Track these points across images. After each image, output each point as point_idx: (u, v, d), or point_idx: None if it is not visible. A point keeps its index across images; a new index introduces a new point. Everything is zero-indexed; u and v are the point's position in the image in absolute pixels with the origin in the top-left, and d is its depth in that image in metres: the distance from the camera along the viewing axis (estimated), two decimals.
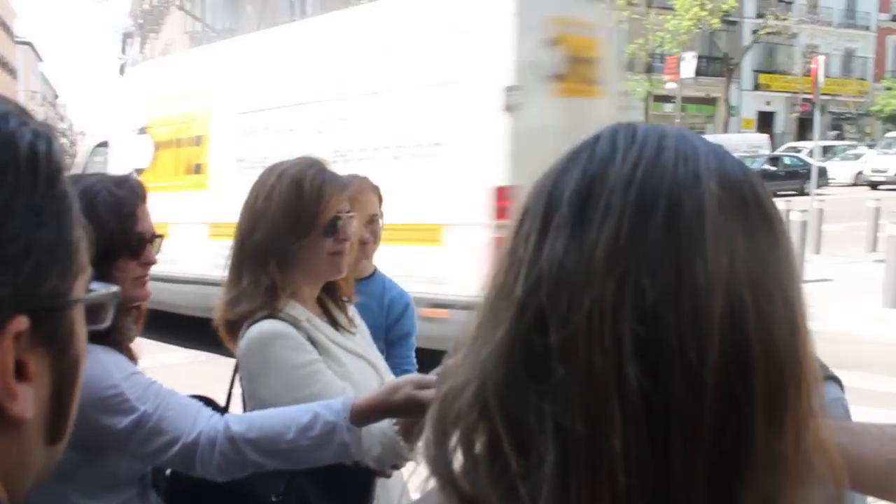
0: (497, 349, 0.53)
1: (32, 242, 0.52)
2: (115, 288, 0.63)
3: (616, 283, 0.50)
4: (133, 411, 1.56)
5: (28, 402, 0.53)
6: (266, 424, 1.57)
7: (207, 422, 1.59)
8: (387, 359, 2.67)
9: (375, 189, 2.84)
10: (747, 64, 43.64)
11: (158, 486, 1.82)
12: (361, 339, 2.10)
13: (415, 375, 1.54)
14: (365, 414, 1.53)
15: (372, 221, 2.76)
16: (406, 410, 1.51)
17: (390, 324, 2.81)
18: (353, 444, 1.54)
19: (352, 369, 1.95)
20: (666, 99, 39.89)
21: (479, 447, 0.54)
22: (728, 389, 0.49)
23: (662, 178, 0.52)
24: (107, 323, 0.61)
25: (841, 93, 42.87)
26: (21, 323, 0.51)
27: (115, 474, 1.69)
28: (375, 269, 2.90)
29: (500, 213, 5.69)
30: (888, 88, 45.82)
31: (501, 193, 5.70)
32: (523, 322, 0.52)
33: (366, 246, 2.74)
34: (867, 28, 48.41)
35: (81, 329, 0.58)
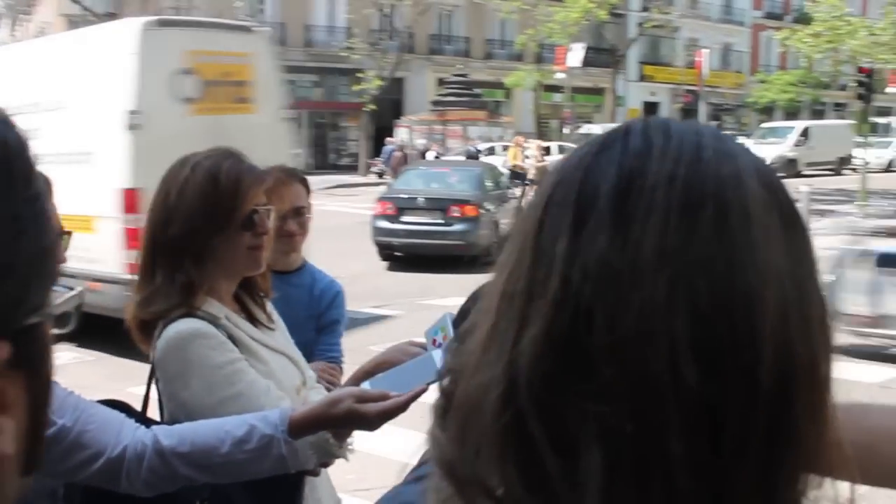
0: (531, 349, 0.51)
1: (14, 257, 0.45)
2: (79, 289, 0.57)
3: (668, 282, 0.49)
4: (49, 425, 1.47)
5: (8, 435, 0.46)
6: (198, 437, 1.51)
7: (133, 435, 1.52)
8: (315, 346, 2.65)
9: (302, 179, 2.76)
10: (633, 56, 44.91)
11: (72, 500, 1.73)
12: (280, 335, 2.06)
13: (355, 388, 1.52)
14: (303, 426, 1.50)
15: (299, 213, 2.68)
16: (346, 423, 1.50)
17: (321, 313, 2.76)
18: (291, 457, 1.50)
19: (274, 367, 1.90)
20: (555, 89, 40.62)
21: (511, 451, 0.52)
22: (780, 390, 0.49)
23: (706, 176, 0.51)
24: (72, 326, 0.55)
25: (720, 85, 44.65)
26: (3, 350, 0.44)
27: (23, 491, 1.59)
28: (304, 261, 2.84)
29: (128, 208, 7.55)
30: (762, 81, 48.02)
31: (127, 194, 7.58)
32: (561, 321, 0.50)
33: (293, 238, 2.66)
34: (742, 23, 50.54)
35: (51, 341, 0.51)
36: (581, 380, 0.50)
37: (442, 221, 13.74)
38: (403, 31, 36.08)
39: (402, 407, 1.47)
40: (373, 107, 34.56)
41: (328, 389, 2.71)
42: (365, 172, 33.18)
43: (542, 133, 38.96)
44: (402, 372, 1.52)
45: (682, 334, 0.48)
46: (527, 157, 21.63)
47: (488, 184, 15.16)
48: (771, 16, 50.55)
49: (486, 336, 0.54)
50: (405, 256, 14.12)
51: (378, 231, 13.92)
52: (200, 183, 1.83)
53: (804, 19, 30.95)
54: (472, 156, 27.59)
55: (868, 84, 18.87)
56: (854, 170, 31.02)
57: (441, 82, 38.08)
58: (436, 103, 35.53)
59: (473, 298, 1.52)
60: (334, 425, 1.52)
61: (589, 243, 0.50)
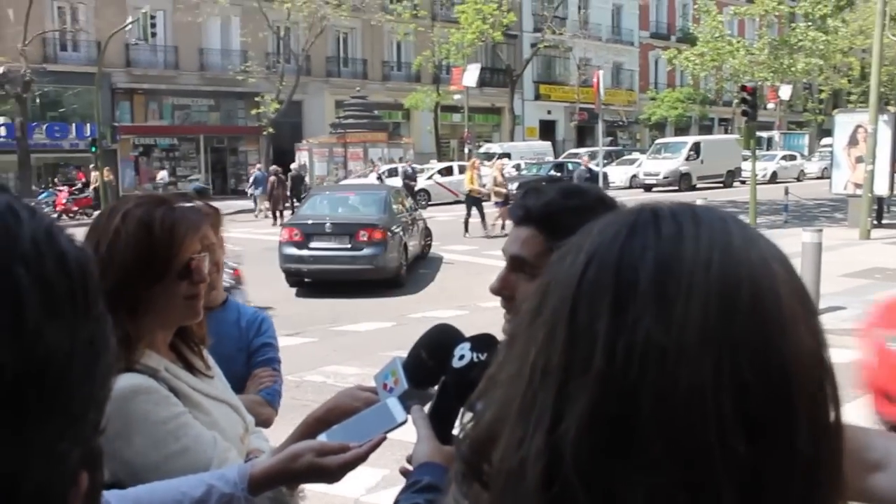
0: (577, 424, 0.53)
1: (93, 386, 0.44)
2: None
3: (713, 361, 0.52)
4: None
5: None
6: (155, 501, 1.46)
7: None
8: (246, 377, 2.61)
9: (208, 215, 2.70)
10: (528, 75, 45.83)
11: None
12: (219, 381, 2.01)
13: (314, 442, 1.49)
14: (264, 483, 1.47)
15: (209, 249, 2.62)
16: (307, 478, 1.47)
17: (250, 343, 2.72)
18: None
19: (217, 416, 1.85)
20: (454, 109, 41.08)
21: None
22: (815, 456, 0.53)
23: (739, 262, 0.55)
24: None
25: (613, 102, 46.00)
26: (83, 483, 0.44)
27: None
28: (227, 296, 2.78)
29: None
30: (652, 98, 49.72)
31: None
32: (608, 397, 0.52)
33: (211, 276, 2.61)
34: (632, 43, 52.32)
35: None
36: (628, 453, 0.52)
37: (349, 246, 13.67)
38: (300, 53, 35.88)
39: (362, 458, 1.46)
40: (271, 130, 34.19)
41: (270, 393, 2.68)
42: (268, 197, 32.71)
43: (441, 153, 39.28)
44: (359, 421, 1.51)
45: (728, 408, 0.51)
46: (483, 181, 20.93)
47: (395, 206, 15.18)
48: (657, 35, 52.49)
49: (519, 408, 0.56)
50: (314, 282, 13.98)
51: (285, 258, 13.75)
52: (133, 233, 1.78)
53: (689, 39, 32.23)
54: (410, 176, 27.37)
55: (752, 101, 19.76)
56: (743, 182, 32.41)
57: (340, 104, 38.00)
58: (335, 125, 35.43)
59: (425, 345, 1.54)
60: (295, 480, 1.50)
61: (633, 323, 0.53)
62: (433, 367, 1.46)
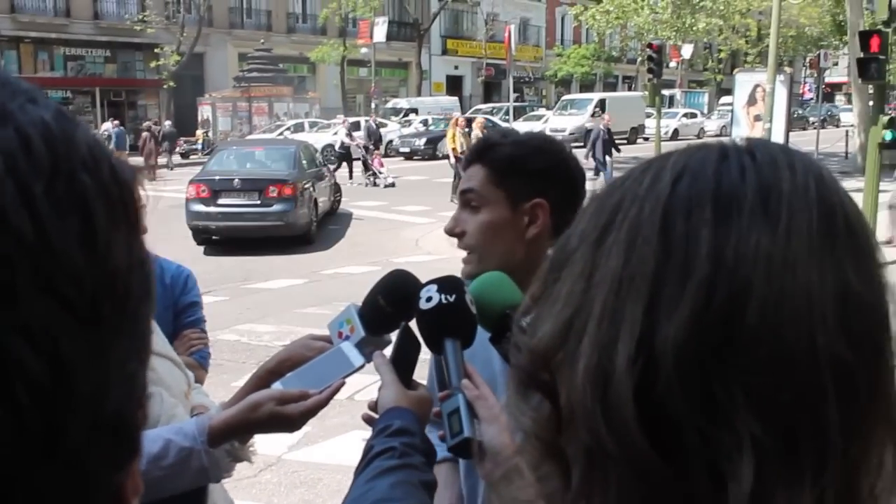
0: (680, 327, 0.55)
1: (150, 306, 0.42)
2: None
3: (818, 271, 0.56)
4: None
5: None
6: None
7: None
8: (176, 331, 2.54)
9: (140, 170, 2.61)
10: (436, 30, 45.52)
11: None
12: (158, 336, 1.95)
13: (274, 391, 1.44)
14: (224, 434, 1.43)
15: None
16: (268, 427, 1.43)
17: (176, 300, 2.66)
18: (212, 468, 1.43)
19: (161, 372, 1.79)
20: (360, 63, 40.54)
21: (648, 421, 0.56)
22: (890, 355, 0.58)
23: (831, 190, 0.60)
24: None
25: (520, 59, 46.16)
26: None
27: None
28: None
29: None
30: (559, 55, 50.16)
31: None
32: (713, 301, 0.55)
33: None
34: (539, 0, 52.55)
35: None
36: (731, 355, 0.55)
37: (259, 202, 13.42)
38: (201, 3, 34.68)
39: (322, 404, 1.43)
40: (172, 84, 33.04)
41: (202, 356, 2.63)
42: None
43: (348, 108, 38.81)
44: (314, 368, 1.47)
45: (831, 315, 0.56)
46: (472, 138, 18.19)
47: (304, 162, 14.95)
48: None
49: (599, 317, 0.58)
50: (223, 240, 13.69)
51: (193, 215, 13.39)
52: None
53: None
54: (374, 133, 25.90)
55: (657, 59, 20.15)
56: (646, 139, 33.18)
57: (243, 57, 36.99)
58: (239, 79, 34.51)
59: (383, 291, 1.51)
60: (255, 430, 1.46)
61: (740, 232, 0.56)
62: (391, 314, 1.44)
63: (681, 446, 0.55)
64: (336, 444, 5.56)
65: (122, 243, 0.38)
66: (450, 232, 1.71)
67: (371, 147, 22.98)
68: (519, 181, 1.64)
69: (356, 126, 30.94)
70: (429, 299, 1.30)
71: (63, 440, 0.35)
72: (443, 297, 1.30)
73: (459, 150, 17.62)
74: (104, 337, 0.37)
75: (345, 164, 22.30)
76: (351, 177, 21.83)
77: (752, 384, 0.55)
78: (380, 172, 21.23)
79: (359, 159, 21.98)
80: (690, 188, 0.59)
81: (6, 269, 0.33)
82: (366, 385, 5.92)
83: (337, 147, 24.45)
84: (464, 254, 1.70)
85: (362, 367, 1.45)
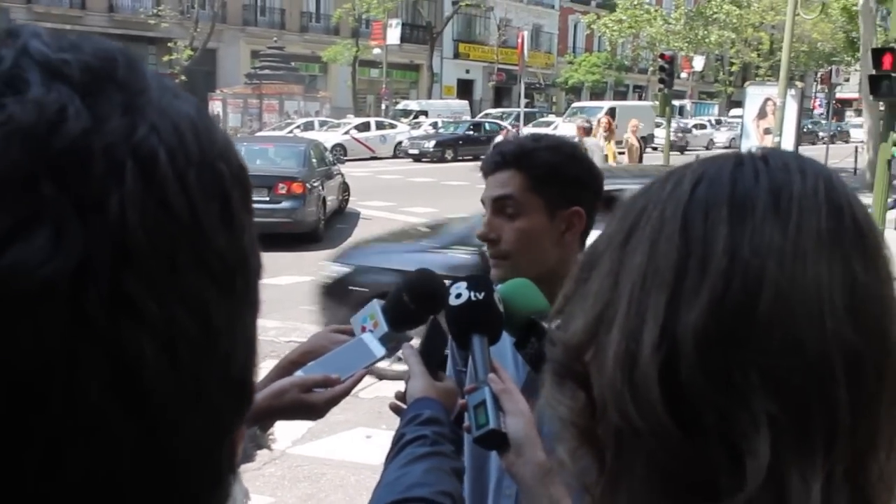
0: (699, 313, 0.60)
1: (260, 280, 0.46)
2: None
3: (827, 263, 0.61)
4: None
5: None
6: None
7: None
8: None
9: None
10: (448, 33, 45.60)
11: None
12: None
13: (297, 378, 1.46)
14: (248, 419, 1.46)
15: None
16: (292, 414, 1.46)
17: None
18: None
19: None
20: (372, 64, 40.62)
21: (673, 402, 0.60)
22: None
23: (839, 192, 0.65)
24: None
25: (531, 65, 46.19)
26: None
27: None
28: None
29: None
30: (570, 62, 50.20)
31: None
32: (730, 291, 0.60)
33: None
34: (552, 6, 52.59)
35: None
36: (747, 340, 0.60)
37: (268, 199, 13.44)
38: None
39: (346, 392, 1.45)
40: (184, 78, 33.12)
41: None
42: None
43: (358, 108, 38.90)
44: (336, 358, 1.49)
45: (839, 302, 0.60)
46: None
47: (314, 160, 14.99)
48: (577, 0, 52.86)
49: (626, 308, 0.63)
50: None
51: None
52: None
53: (608, 5, 32.58)
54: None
55: (669, 69, 20.18)
56: (655, 148, 33.18)
57: (256, 55, 37.08)
58: (250, 76, 34.59)
59: (408, 288, 1.55)
60: (279, 416, 1.48)
61: (753, 229, 0.62)
62: (414, 311, 1.48)
63: (701, 424, 0.60)
64: (340, 439, 5.60)
65: (249, 224, 0.43)
66: (484, 238, 1.70)
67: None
68: (557, 189, 1.64)
69: (365, 126, 31.11)
70: (458, 296, 1.34)
71: (207, 392, 0.40)
72: (472, 294, 1.34)
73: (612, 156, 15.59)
74: (236, 306, 0.41)
75: None
76: None
77: (767, 367, 0.59)
78: None
79: None
80: (708, 191, 0.65)
81: (170, 246, 0.37)
82: (370, 384, 5.97)
83: None
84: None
85: (384, 357, 1.48)
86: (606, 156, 15.30)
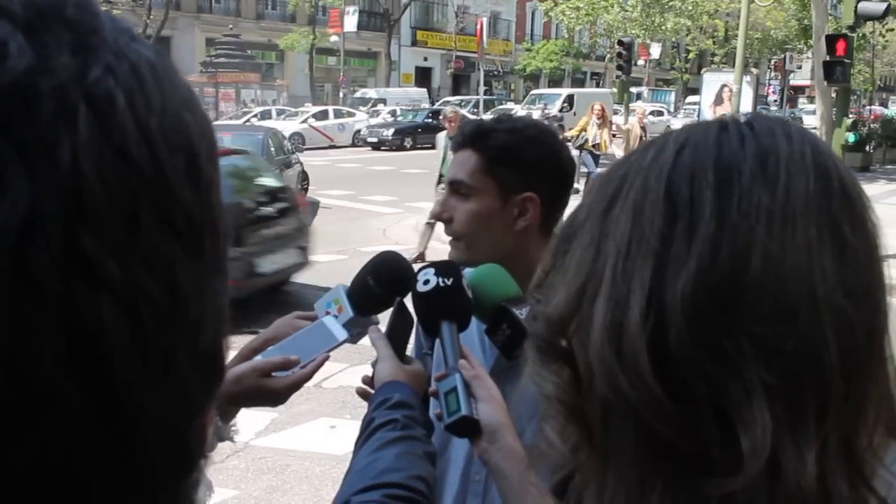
0: (688, 282, 0.58)
1: (228, 245, 0.43)
2: None
3: (816, 227, 0.60)
4: None
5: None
6: None
7: None
8: None
9: None
10: (406, 20, 45.38)
11: None
12: None
13: (256, 362, 1.41)
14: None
15: None
16: (253, 400, 1.41)
17: None
18: None
19: None
20: (329, 52, 40.31)
21: (662, 370, 0.59)
22: (885, 308, 0.63)
23: (825, 156, 0.64)
24: None
25: (489, 52, 46.15)
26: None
27: None
28: None
29: None
30: (528, 50, 50.29)
31: None
32: (718, 256, 0.59)
33: None
34: None
35: None
36: (737, 308, 0.58)
37: None
38: None
39: (307, 377, 1.39)
40: None
41: None
42: None
43: (316, 97, 38.60)
44: (296, 341, 1.43)
45: (829, 267, 0.59)
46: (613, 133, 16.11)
47: (272, 149, 14.84)
48: None
49: (611, 279, 0.61)
50: None
51: None
52: None
53: None
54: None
55: (627, 56, 20.31)
56: (614, 135, 33.37)
57: (211, 42, 36.55)
58: (206, 65, 34.10)
59: (373, 272, 1.52)
60: (240, 404, 1.43)
61: (741, 193, 0.60)
62: (380, 295, 1.45)
63: (692, 394, 0.58)
64: (303, 430, 5.55)
65: (217, 182, 0.40)
66: (437, 217, 1.70)
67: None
68: (511, 172, 1.59)
69: (323, 115, 30.87)
70: (426, 282, 1.31)
71: (174, 366, 0.36)
72: (440, 280, 1.31)
73: (592, 141, 15.60)
74: (205, 270, 0.38)
75: None
76: None
77: (758, 334, 0.58)
78: None
79: None
80: (693, 156, 0.63)
81: (131, 201, 0.34)
82: (334, 373, 5.92)
83: None
84: (446, 240, 1.70)
85: (345, 342, 1.44)
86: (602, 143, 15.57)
